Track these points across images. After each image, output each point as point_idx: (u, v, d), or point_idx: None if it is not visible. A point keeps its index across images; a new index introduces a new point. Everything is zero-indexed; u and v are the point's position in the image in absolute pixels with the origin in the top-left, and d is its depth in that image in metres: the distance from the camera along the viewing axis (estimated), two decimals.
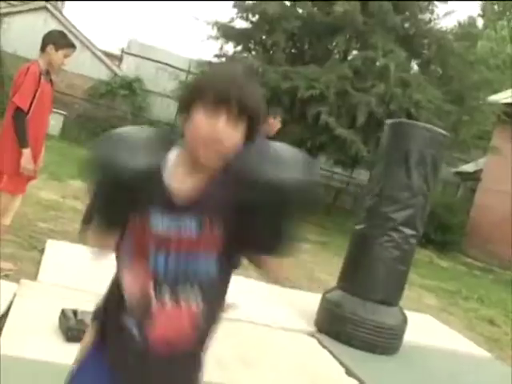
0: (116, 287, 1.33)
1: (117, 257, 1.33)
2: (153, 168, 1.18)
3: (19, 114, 3.79)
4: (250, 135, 1.27)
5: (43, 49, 3.94)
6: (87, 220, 1.27)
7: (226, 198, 1.20)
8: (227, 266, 1.33)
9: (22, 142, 3.79)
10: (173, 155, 1.29)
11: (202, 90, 1.25)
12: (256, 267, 1.35)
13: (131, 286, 1.28)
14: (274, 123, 4.48)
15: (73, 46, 4.08)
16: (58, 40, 3.96)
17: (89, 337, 1.41)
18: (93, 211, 1.25)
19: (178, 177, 1.27)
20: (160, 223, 1.25)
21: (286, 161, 1.17)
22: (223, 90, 1.23)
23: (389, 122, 4.68)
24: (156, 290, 1.26)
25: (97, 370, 1.35)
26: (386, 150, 4.51)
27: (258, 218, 1.19)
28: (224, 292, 1.37)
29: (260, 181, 1.13)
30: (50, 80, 4.09)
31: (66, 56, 4.00)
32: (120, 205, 1.21)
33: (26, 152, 3.80)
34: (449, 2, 14.00)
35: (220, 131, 1.22)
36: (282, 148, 1.21)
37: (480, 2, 28.36)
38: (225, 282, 1.35)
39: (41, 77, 3.88)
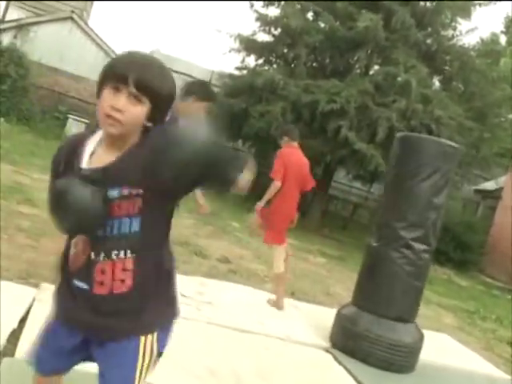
0: (64, 256, 1.61)
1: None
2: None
3: None
4: (155, 115, 1.48)
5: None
6: None
7: (139, 165, 1.43)
8: (155, 218, 1.53)
9: None
10: (96, 138, 1.57)
11: (107, 72, 1.47)
12: None
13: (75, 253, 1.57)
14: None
15: None
16: None
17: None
18: None
19: (98, 153, 1.53)
20: None
21: (187, 134, 1.37)
22: (122, 71, 1.44)
23: (398, 135, 4.63)
24: (93, 250, 1.53)
25: (54, 332, 1.67)
26: (396, 164, 4.46)
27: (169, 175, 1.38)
28: (156, 239, 1.57)
29: (163, 147, 1.36)
30: None
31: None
32: None
33: None
34: (472, 16, 13.94)
35: (119, 104, 1.43)
36: (188, 125, 1.41)
37: (503, 18, 28.18)
38: (155, 230, 1.55)
39: None
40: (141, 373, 1.55)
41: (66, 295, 1.61)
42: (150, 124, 1.49)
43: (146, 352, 1.56)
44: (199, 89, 3.47)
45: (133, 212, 1.49)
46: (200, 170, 1.35)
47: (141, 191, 1.47)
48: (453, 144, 4.48)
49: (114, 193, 1.48)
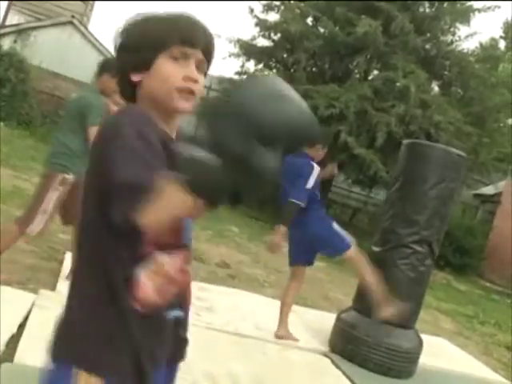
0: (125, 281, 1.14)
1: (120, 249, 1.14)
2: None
3: None
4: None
5: None
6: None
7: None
8: None
9: None
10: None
11: (166, 40, 1.18)
12: None
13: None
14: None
15: None
16: None
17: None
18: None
19: None
20: None
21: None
22: (191, 34, 1.20)
23: (405, 142, 4.66)
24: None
25: None
26: (403, 170, 4.47)
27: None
28: None
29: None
30: None
31: None
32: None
33: None
34: (471, 21, 13.99)
35: (195, 73, 1.19)
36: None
37: (502, 23, 28.26)
38: None
39: None
40: None
41: (144, 335, 1.18)
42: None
43: None
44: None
45: None
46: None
47: None
48: (460, 153, 4.49)
49: None
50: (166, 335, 1.24)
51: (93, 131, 3.37)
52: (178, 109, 1.21)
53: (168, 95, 1.19)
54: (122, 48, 1.24)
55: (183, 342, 1.35)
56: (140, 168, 1.02)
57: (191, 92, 1.19)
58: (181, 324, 1.29)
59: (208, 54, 1.23)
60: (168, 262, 1.15)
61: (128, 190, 1.00)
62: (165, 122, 1.23)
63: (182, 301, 1.26)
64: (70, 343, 1.20)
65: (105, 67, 3.93)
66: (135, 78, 1.21)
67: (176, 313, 1.25)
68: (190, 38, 1.19)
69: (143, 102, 1.22)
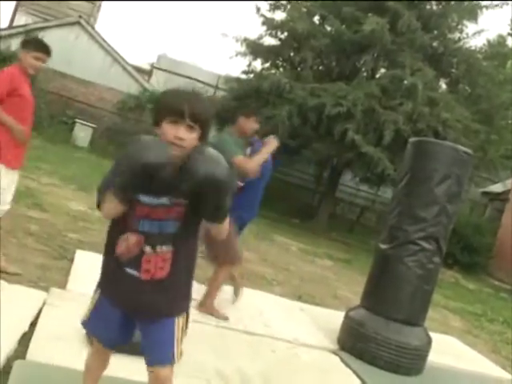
0: (112, 248, 1.96)
1: (115, 225, 1.98)
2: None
3: None
4: (204, 135, 1.89)
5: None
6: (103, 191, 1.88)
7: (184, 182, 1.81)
8: (191, 224, 1.96)
9: None
10: None
11: (165, 109, 1.86)
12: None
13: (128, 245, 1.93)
14: (248, 123, 4.36)
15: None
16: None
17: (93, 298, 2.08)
18: (117, 186, 1.81)
19: None
20: (147, 200, 1.89)
21: (216, 160, 1.81)
22: (179, 108, 1.82)
23: (412, 140, 4.66)
24: (144, 244, 1.92)
25: (105, 310, 2.02)
26: (409, 168, 4.47)
27: (202, 199, 1.83)
28: (191, 238, 2.01)
29: (200, 176, 1.75)
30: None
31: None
32: (137, 185, 1.80)
33: None
34: (479, 18, 13.92)
35: (180, 134, 1.82)
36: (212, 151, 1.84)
37: (510, 20, 28.10)
38: (190, 233, 1.99)
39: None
40: (178, 347, 1.98)
41: (115, 279, 1.97)
42: (198, 143, 1.87)
43: (180, 329, 1.99)
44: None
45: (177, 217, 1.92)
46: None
47: (183, 201, 1.89)
48: (467, 150, 4.48)
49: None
50: (125, 285, 1.96)
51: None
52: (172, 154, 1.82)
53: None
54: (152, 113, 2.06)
55: (146, 300, 1.96)
56: (105, 181, 1.90)
57: (179, 146, 1.82)
58: (139, 283, 1.93)
59: (197, 119, 1.84)
60: (131, 237, 1.92)
61: (97, 191, 1.93)
62: None
63: (137, 265, 1.92)
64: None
65: None
66: (156, 130, 1.89)
67: (133, 271, 1.93)
68: (175, 112, 1.82)
69: None
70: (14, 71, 3.93)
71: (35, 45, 4.06)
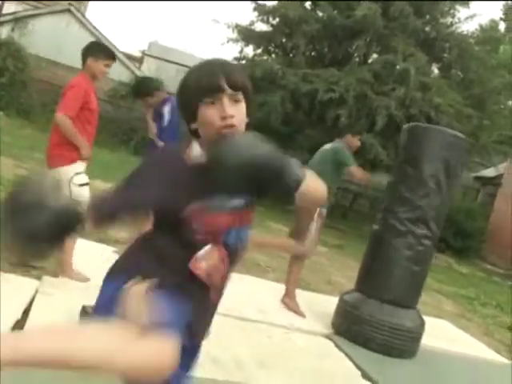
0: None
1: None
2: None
3: None
4: (248, 108, 1.50)
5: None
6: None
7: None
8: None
9: None
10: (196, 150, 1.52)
11: (197, 91, 1.45)
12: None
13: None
14: (354, 141, 5.22)
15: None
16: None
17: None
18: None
19: None
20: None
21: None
22: (212, 83, 1.43)
23: (405, 126, 4.70)
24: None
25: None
26: (401, 152, 4.56)
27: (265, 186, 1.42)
28: None
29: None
30: None
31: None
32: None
33: None
34: (471, 3, 13.87)
35: (228, 112, 1.43)
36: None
37: (502, 5, 28.06)
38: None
39: None
40: None
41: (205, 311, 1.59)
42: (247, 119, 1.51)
43: None
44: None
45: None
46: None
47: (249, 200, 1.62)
48: (458, 134, 4.50)
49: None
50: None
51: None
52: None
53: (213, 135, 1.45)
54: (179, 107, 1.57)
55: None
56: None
57: (230, 126, 1.43)
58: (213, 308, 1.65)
59: (239, 87, 1.46)
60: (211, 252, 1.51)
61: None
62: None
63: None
64: None
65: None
66: (194, 126, 1.51)
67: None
68: (212, 87, 1.43)
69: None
70: (83, 82, 3.92)
71: (105, 52, 4.07)
